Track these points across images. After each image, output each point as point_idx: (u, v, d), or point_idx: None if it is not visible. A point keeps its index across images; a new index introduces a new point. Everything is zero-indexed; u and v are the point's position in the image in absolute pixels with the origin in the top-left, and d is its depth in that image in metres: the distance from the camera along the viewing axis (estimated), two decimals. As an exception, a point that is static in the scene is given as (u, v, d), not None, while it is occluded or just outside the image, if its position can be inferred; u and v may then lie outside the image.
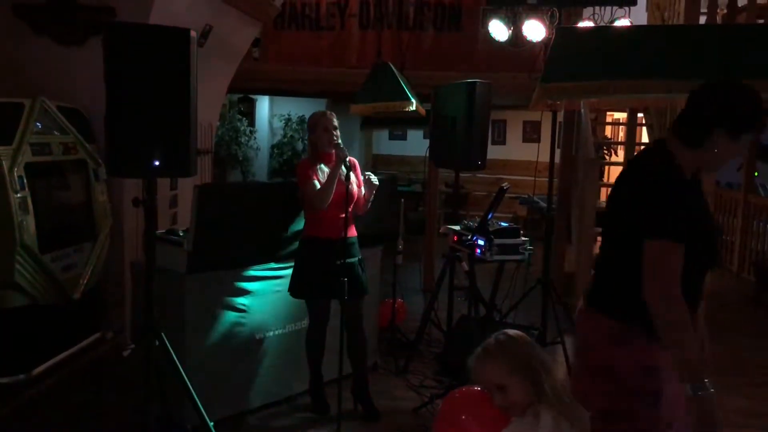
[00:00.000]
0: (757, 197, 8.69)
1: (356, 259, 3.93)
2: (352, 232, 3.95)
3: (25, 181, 3.80)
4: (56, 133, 4.24)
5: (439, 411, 2.12)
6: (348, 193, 3.69)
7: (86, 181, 4.46)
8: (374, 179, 3.91)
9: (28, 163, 3.86)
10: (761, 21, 6.53)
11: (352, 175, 3.74)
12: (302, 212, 4.01)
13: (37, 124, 4.05)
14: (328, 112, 3.98)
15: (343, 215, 3.77)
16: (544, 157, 5.31)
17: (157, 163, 2.92)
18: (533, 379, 1.88)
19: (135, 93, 2.88)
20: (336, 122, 3.90)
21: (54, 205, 4.18)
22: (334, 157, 3.83)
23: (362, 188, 3.95)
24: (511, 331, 2.01)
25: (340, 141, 3.85)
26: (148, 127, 2.90)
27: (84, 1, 4.56)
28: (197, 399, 3.30)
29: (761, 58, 4.03)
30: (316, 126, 3.91)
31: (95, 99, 3.57)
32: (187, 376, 3.29)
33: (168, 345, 3.15)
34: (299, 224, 4.10)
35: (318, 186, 3.74)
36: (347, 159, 3.77)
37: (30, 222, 3.80)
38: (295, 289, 3.93)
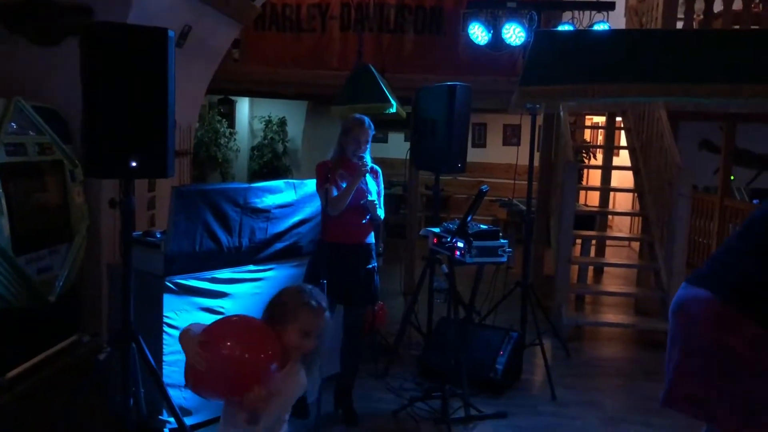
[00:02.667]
0: (733, 201, 8.81)
1: (373, 265, 3.94)
2: (371, 238, 3.95)
3: (-1, 182, 3.75)
4: (32, 133, 4.18)
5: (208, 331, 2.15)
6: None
7: (62, 182, 4.40)
8: (366, 200, 3.81)
9: (2, 163, 3.81)
10: (736, 26, 6.63)
11: (373, 183, 3.83)
12: (281, 214, 3.98)
13: (12, 124, 3.99)
14: (367, 123, 3.86)
15: (362, 221, 3.80)
16: (524, 160, 5.33)
17: (134, 164, 2.89)
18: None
19: (112, 93, 2.85)
20: (370, 135, 3.85)
21: (29, 206, 4.12)
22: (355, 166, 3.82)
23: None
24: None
25: (367, 157, 3.82)
26: (126, 128, 2.88)
27: (61, 1, 4.50)
28: (174, 403, 3.26)
29: (735, 62, 4.09)
30: (349, 131, 3.84)
31: (72, 99, 3.53)
32: (164, 380, 3.25)
33: (145, 348, 3.12)
34: (278, 226, 4.08)
35: (334, 192, 3.71)
36: (368, 171, 3.78)
37: (4, 223, 3.75)
38: None
